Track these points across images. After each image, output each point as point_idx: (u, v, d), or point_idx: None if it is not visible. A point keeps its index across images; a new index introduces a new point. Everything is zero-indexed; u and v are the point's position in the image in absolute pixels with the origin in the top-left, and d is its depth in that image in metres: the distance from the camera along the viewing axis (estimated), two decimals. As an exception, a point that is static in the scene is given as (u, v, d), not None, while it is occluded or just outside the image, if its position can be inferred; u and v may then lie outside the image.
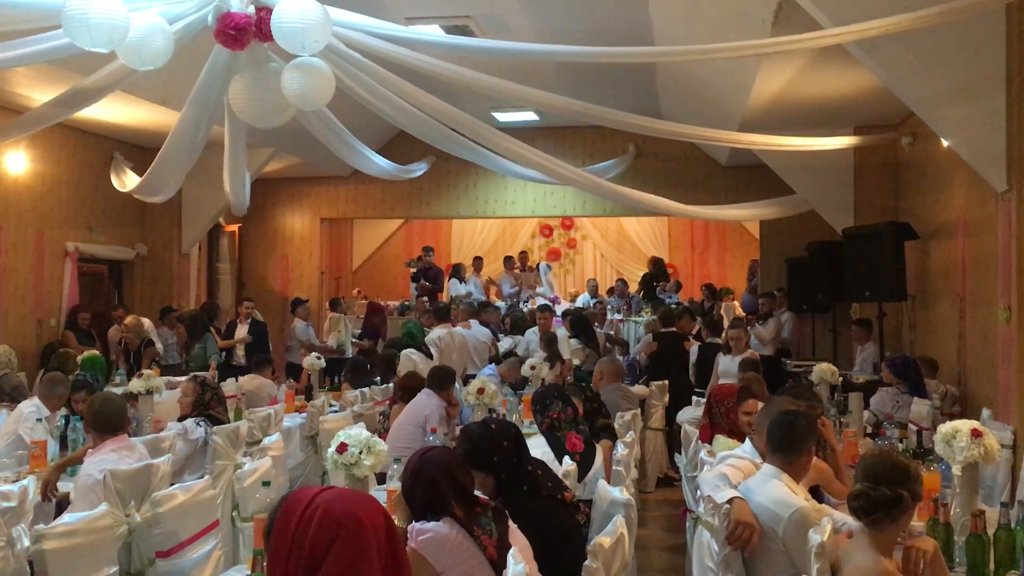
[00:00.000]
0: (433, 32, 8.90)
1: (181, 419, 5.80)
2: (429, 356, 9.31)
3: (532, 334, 10.17)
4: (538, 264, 16.29)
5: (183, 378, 8.27)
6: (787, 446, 3.60)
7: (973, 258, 7.63)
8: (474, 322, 10.35)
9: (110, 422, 4.62)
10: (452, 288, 13.87)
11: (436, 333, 9.69)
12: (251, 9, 5.27)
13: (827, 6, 5.75)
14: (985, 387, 7.15)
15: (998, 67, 5.99)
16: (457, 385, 7.24)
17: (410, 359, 9.21)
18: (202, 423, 5.60)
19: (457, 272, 14.33)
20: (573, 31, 8.96)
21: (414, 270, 14.19)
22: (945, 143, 7.51)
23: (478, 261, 15.23)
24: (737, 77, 8.24)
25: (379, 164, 9.84)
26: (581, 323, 10.35)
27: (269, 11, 5.15)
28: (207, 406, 5.77)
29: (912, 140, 9.20)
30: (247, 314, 11.44)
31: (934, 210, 8.77)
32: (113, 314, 11.09)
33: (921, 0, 5.25)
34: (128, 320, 10.49)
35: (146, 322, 10.83)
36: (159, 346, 10.54)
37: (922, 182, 9.18)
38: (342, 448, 3.75)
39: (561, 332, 9.82)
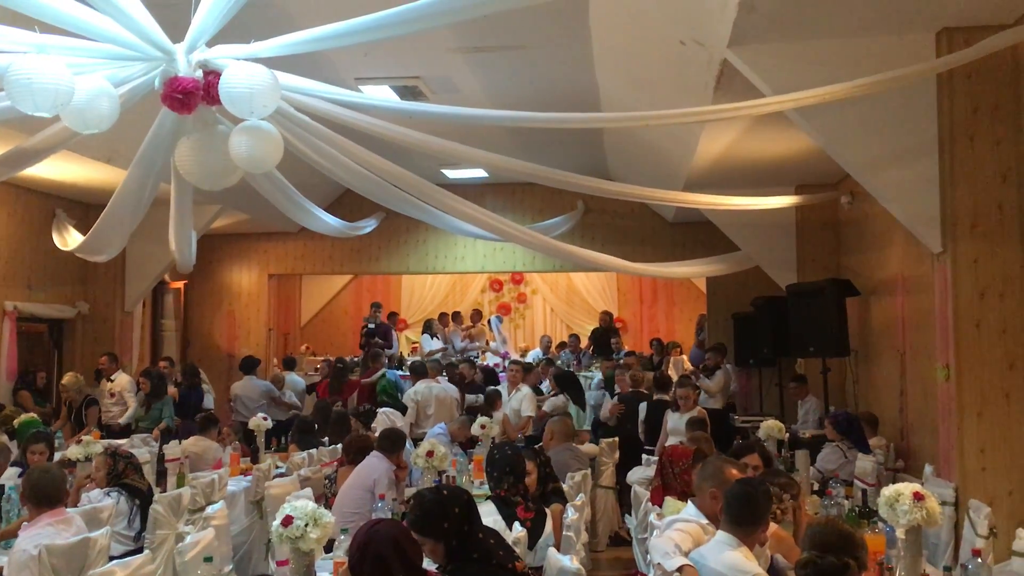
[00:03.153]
0: (383, 92, 8.97)
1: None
2: (403, 413, 9.67)
3: (503, 389, 10.29)
4: (490, 318, 16.28)
5: (123, 440, 8.12)
6: (747, 519, 3.59)
7: (912, 315, 7.81)
8: (442, 378, 10.61)
9: (48, 494, 4.49)
10: (424, 344, 13.81)
11: (417, 387, 10.00)
12: (199, 73, 5.23)
13: (767, 75, 5.94)
14: (927, 442, 7.26)
15: (931, 133, 6.21)
16: (408, 446, 7.17)
17: (387, 418, 9.17)
18: (113, 493, 5.51)
19: (429, 327, 14.30)
20: (521, 92, 9.10)
21: (372, 326, 14.08)
22: (882, 204, 7.73)
23: (453, 315, 15.36)
24: (682, 139, 8.43)
25: (327, 222, 9.80)
26: (567, 379, 10.48)
27: (217, 75, 5.10)
28: (121, 475, 5.64)
29: (851, 199, 9.44)
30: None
31: (873, 268, 8.99)
32: (99, 361, 10.76)
33: (857, 69, 5.47)
34: (65, 379, 10.23)
35: (125, 379, 10.49)
36: (126, 402, 10.24)
37: (862, 240, 9.41)
38: (287, 521, 3.68)
39: (525, 389, 9.83)
